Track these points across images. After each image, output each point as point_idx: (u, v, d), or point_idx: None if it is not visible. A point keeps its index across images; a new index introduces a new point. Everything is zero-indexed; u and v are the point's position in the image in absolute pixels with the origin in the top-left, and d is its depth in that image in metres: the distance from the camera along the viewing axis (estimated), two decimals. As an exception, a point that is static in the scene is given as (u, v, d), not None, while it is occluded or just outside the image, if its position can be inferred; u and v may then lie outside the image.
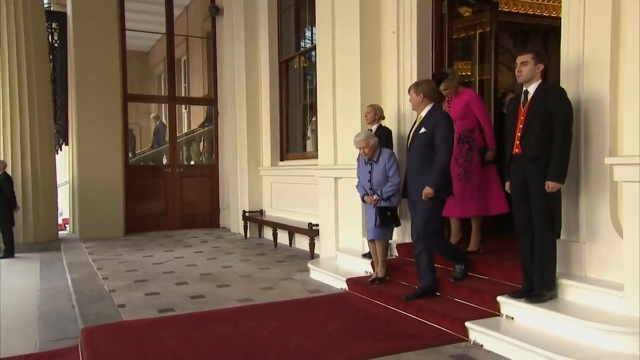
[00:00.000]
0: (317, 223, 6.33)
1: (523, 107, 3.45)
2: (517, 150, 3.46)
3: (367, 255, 5.11)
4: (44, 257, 7.55)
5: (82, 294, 4.92)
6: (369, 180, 4.47)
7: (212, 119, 10.43)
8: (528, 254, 3.45)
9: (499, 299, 3.52)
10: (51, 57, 9.65)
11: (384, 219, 4.37)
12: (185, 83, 12.73)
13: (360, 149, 4.45)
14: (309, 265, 5.59)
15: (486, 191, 4.56)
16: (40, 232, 8.24)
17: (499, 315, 3.50)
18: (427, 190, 3.82)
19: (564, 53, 3.60)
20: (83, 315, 4.20)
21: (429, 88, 4.04)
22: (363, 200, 4.63)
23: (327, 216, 6.02)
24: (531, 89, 3.43)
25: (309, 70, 8.17)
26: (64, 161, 13.13)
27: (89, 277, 5.66)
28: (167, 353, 3.25)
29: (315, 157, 6.55)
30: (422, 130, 3.93)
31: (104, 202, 8.75)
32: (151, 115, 12.17)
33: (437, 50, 5.22)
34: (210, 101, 10.44)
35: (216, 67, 10.17)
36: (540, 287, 3.39)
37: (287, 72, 8.56)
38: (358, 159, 4.66)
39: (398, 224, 4.51)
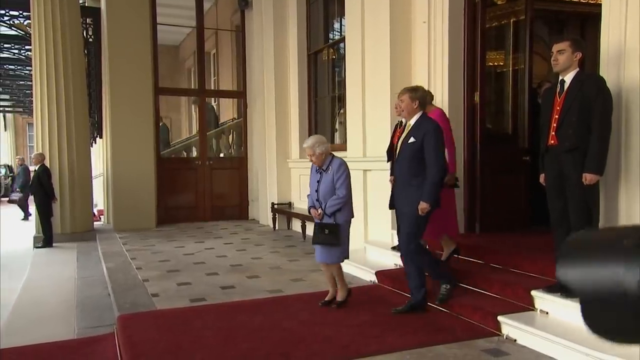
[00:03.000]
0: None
1: (559, 97, 3.34)
2: (552, 142, 3.36)
3: (396, 248, 5.06)
4: (81, 247, 7.79)
5: (117, 282, 5.06)
6: (316, 191, 3.97)
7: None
8: (564, 247, 3.35)
9: (533, 293, 3.45)
10: (86, 51, 9.90)
11: (319, 237, 3.89)
12: (214, 76, 12.86)
13: (308, 155, 3.97)
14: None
15: (445, 214, 4.39)
16: (76, 223, 8.48)
17: (533, 310, 3.43)
18: (423, 206, 3.59)
19: (604, 40, 3.47)
20: (118, 303, 4.32)
21: (424, 95, 3.82)
22: (309, 213, 4.13)
23: (356, 208, 5.92)
24: (568, 78, 3.32)
25: (338, 62, 8.13)
26: (99, 154, 13.49)
27: (123, 267, 5.81)
28: (199, 341, 3.31)
29: (344, 149, 6.53)
30: (411, 139, 3.68)
31: (137, 194, 8.95)
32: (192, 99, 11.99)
33: (469, 39, 5.12)
34: (240, 94, 10.52)
35: (245, 60, 10.23)
36: (576, 282, 3.29)
37: (315, 65, 8.54)
38: (311, 167, 4.15)
39: (336, 245, 3.87)
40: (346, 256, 4.05)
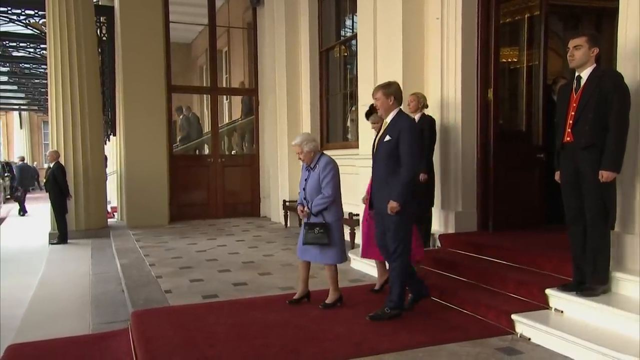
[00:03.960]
0: (357, 213, 6.29)
1: (575, 94, 3.30)
2: (568, 139, 3.32)
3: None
4: (95, 244, 7.88)
5: (131, 279, 5.11)
6: (304, 189, 3.95)
7: (251, 109, 10.53)
8: (579, 245, 3.32)
9: (548, 291, 3.42)
10: (99, 50, 9.97)
11: (309, 237, 3.82)
12: (226, 74, 12.88)
13: (296, 153, 3.96)
14: (350, 254, 5.57)
15: None
16: (90, 220, 8.58)
17: (547, 309, 3.40)
18: (392, 205, 3.47)
19: (621, 35, 3.41)
20: (132, 299, 4.36)
21: (398, 90, 3.68)
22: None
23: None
24: (584, 74, 3.27)
25: (349, 59, 8.10)
26: (112, 151, 13.59)
27: (137, 263, 5.87)
28: (213, 337, 3.33)
29: (356, 146, 6.50)
30: (387, 138, 3.58)
31: (150, 191, 9.03)
32: (174, 109, 11.77)
33: (482, 36, 5.08)
34: (251, 91, 10.54)
35: (257, 57, 10.25)
36: (592, 281, 3.25)
37: (327, 62, 8.52)
38: (303, 163, 4.10)
39: (327, 244, 3.82)
40: (345, 258, 3.98)
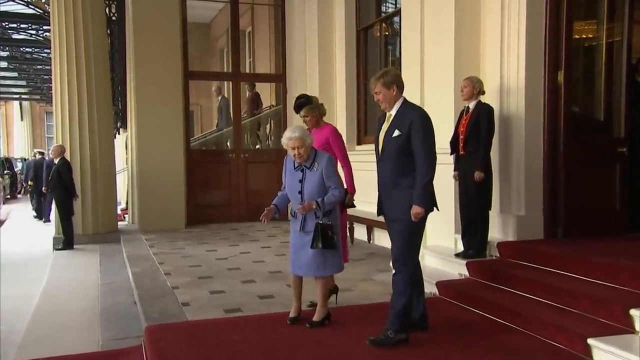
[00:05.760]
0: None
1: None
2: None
3: (460, 255, 5.01)
4: (104, 249, 8.08)
5: (144, 289, 5.20)
6: (300, 192, 3.88)
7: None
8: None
9: (633, 312, 3.31)
10: (108, 31, 10.19)
11: (322, 241, 3.77)
12: (250, 57, 13.00)
13: (294, 149, 3.83)
14: (391, 265, 5.54)
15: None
16: (99, 223, 8.80)
17: (633, 333, 3.29)
18: (417, 210, 3.43)
19: None
20: (146, 312, 4.44)
21: (398, 76, 3.60)
22: (277, 213, 4.00)
23: (413, 209, 5.94)
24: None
25: (392, 39, 8.05)
26: (122, 146, 13.90)
27: (150, 272, 5.98)
28: (236, 356, 3.36)
29: (400, 139, 6.47)
30: (396, 133, 3.52)
31: (165, 191, 9.15)
32: (213, 89, 12.30)
33: (552, 7, 4.97)
34: (278, 77, 10.60)
35: (285, 38, 10.29)
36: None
37: (365, 42, 8.49)
38: (285, 161, 4.06)
39: (333, 247, 3.83)
40: (342, 267, 4.02)
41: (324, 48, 8.79)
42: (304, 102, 4.55)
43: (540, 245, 4.80)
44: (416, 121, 3.48)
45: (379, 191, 3.74)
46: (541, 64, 5.04)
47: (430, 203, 3.53)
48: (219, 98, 11.63)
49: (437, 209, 3.68)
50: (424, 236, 5.77)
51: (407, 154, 3.50)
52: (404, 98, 3.63)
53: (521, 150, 5.07)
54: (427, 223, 5.71)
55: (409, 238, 3.56)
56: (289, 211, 3.94)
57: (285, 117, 10.34)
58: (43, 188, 10.03)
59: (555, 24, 4.97)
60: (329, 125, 4.72)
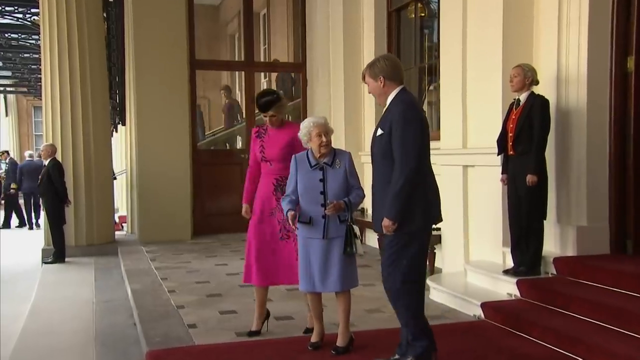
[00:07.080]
0: (438, 226, 6.20)
1: None
2: None
3: (510, 272, 4.98)
4: (99, 263, 8.17)
5: (145, 309, 5.24)
6: (322, 192, 3.87)
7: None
8: None
9: None
10: (105, 15, 10.27)
11: (356, 246, 3.82)
12: (265, 44, 13.03)
13: (319, 135, 3.83)
14: (428, 282, 5.50)
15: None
16: (94, 233, 8.88)
17: None
18: (385, 222, 3.38)
19: None
20: (147, 335, 4.46)
21: (389, 65, 3.53)
22: (286, 217, 3.95)
23: (453, 217, 5.91)
24: None
25: (428, 22, 8.05)
26: (120, 145, 14.03)
27: (152, 289, 6.03)
28: (250, 389, 3.36)
29: (437, 137, 6.43)
30: (379, 132, 3.49)
31: (168, 196, 9.18)
32: (220, 89, 12.36)
33: (619, -19, 4.95)
34: (297, 67, 10.63)
35: (305, 23, 10.32)
36: None
37: (398, 26, 8.48)
38: (296, 159, 4.01)
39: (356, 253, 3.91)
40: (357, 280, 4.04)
41: (350, 34, 8.78)
42: (274, 100, 4.38)
43: (606, 262, 4.77)
44: (395, 116, 3.42)
45: (372, 199, 3.73)
46: (607, 49, 5.03)
47: (401, 216, 3.36)
48: (227, 101, 11.65)
49: (435, 224, 3.62)
50: (467, 249, 5.82)
51: (390, 156, 3.43)
52: (400, 90, 3.54)
53: (582, 150, 5.04)
54: (470, 233, 5.80)
55: (395, 257, 3.45)
56: (297, 218, 3.90)
57: (305, 112, 10.32)
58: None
59: (624, 1, 4.94)
60: (294, 125, 4.50)
